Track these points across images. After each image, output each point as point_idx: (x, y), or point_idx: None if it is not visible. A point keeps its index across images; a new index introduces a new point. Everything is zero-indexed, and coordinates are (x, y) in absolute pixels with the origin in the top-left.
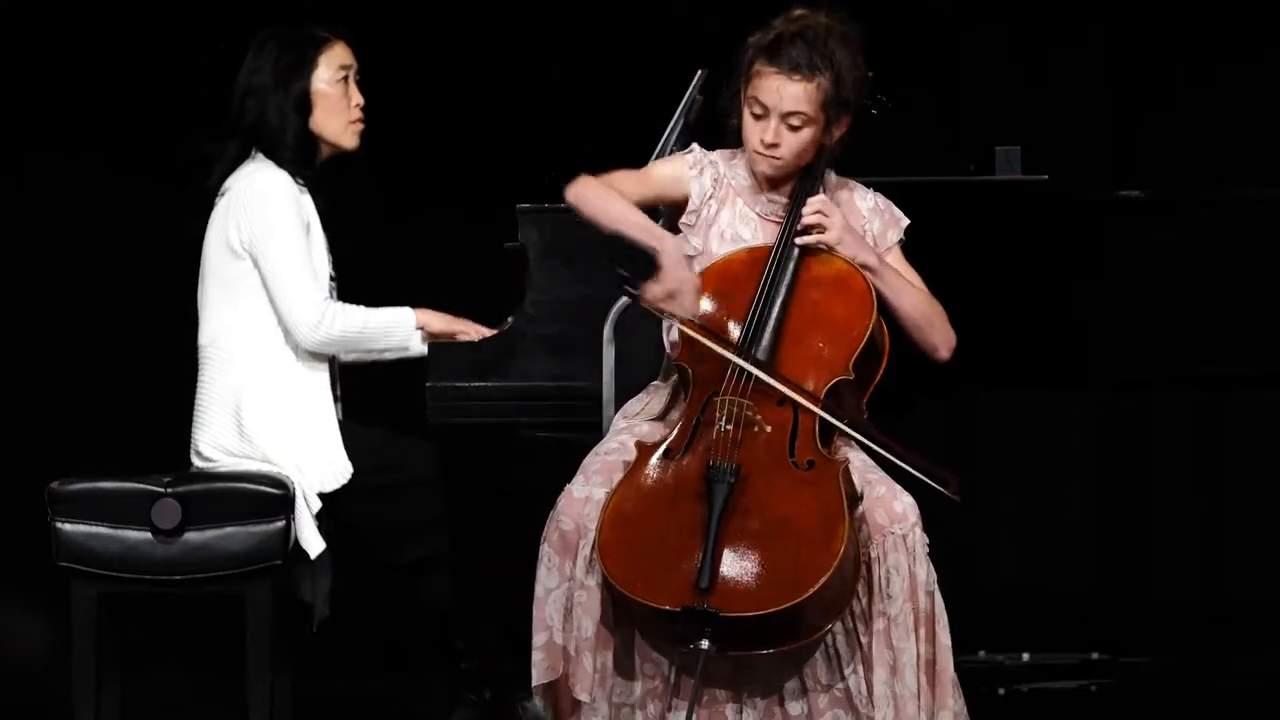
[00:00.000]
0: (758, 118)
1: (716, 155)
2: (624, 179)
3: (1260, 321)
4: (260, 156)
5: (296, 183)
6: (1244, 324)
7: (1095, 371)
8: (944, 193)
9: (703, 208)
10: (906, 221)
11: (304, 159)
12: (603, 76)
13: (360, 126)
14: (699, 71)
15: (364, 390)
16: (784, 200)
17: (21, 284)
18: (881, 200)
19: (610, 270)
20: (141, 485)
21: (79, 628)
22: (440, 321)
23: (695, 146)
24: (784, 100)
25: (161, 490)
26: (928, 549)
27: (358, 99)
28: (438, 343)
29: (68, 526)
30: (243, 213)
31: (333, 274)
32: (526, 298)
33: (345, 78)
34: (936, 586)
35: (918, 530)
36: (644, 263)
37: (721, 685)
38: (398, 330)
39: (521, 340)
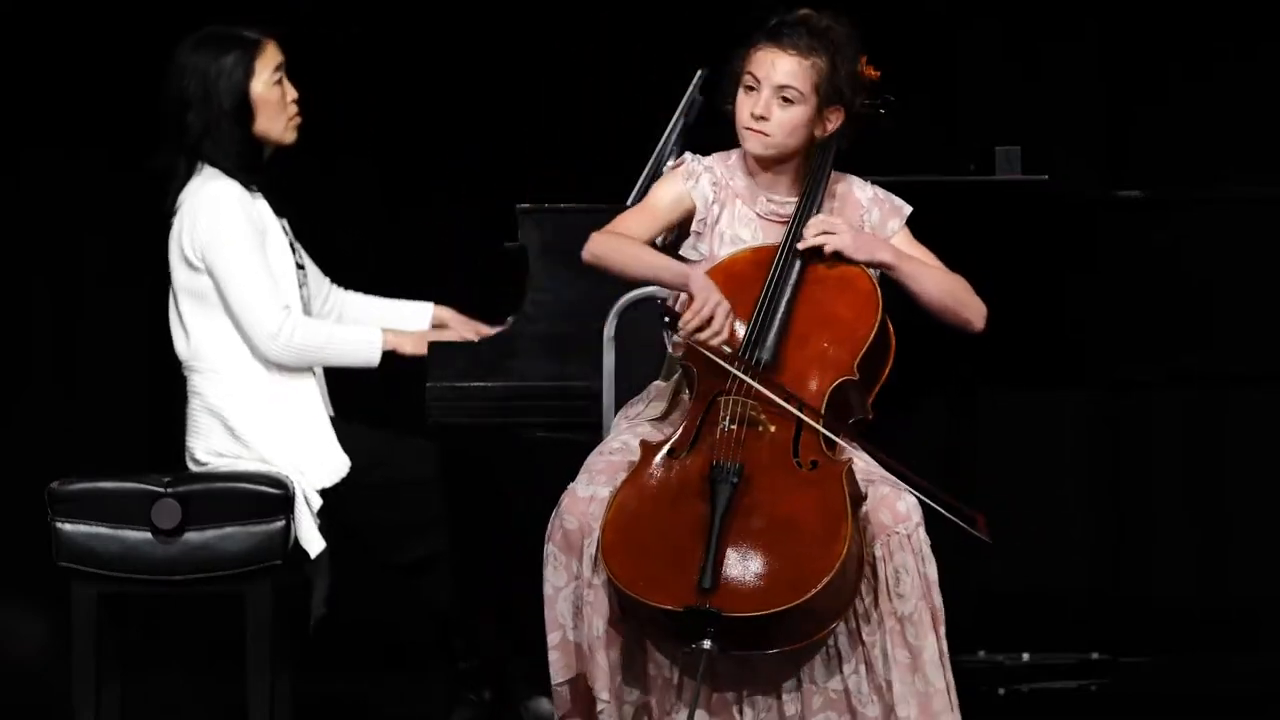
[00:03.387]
0: (749, 90)
1: (711, 159)
2: (632, 220)
3: (1257, 320)
4: (207, 168)
5: (249, 190)
6: (1240, 322)
7: (1092, 370)
8: (943, 192)
9: (708, 213)
10: (908, 209)
11: (251, 165)
12: (603, 76)
13: (298, 120)
14: (699, 71)
15: (363, 390)
16: (783, 200)
17: (21, 284)
18: (881, 191)
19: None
20: (141, 485)
21: (79, 628)
22: (412, 344)
23: (686, 155)
24: (776, 72)
25: (161, 490)
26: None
27: (292, 94)
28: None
29: (68, 526)
30: (194, 226)
31: (300, 263)
32: (526, 298)
33: (280, 78)
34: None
35: (921, 530)
36: None
37: (726, 685)
38: (363, 351)
39: (521, 340)
